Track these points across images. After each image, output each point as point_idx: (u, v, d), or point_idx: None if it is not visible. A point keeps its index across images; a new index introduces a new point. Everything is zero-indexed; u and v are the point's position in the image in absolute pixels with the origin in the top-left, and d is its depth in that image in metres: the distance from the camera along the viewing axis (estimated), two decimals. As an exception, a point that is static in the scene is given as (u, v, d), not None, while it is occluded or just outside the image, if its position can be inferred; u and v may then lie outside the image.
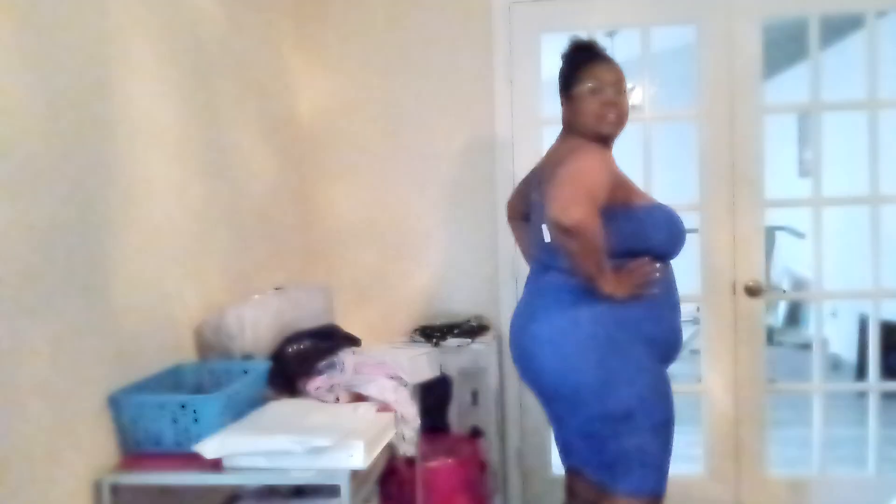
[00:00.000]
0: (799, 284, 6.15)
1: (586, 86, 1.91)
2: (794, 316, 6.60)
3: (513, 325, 2.02)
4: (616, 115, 1.91)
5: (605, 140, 1.95)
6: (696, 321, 5.66)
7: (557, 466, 2.46)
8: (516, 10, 2.86)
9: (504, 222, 2.50)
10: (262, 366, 1.91)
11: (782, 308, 6.65)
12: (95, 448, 1.58)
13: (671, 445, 1.90)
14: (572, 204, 1.70)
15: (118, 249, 1.69)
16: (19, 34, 1.41)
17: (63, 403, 1.48)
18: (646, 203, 1.93)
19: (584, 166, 1.81)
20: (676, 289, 1.96)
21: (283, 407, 1.86)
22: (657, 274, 1.87)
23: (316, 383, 1.98)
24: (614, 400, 1.83)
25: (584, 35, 2.07)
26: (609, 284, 1.81)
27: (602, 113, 1.90)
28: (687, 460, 3.14)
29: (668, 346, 1.93)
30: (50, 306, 1.46)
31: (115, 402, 1.63)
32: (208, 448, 1.56)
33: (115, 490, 1.56)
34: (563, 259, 1.85)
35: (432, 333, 2.67)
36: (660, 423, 1.86)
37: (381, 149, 2.97)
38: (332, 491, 1.60)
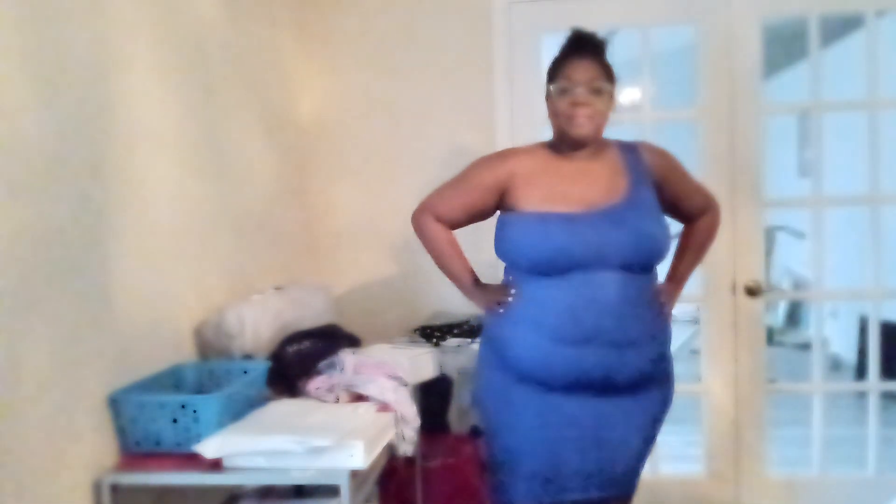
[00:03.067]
0: (799, 284, 6.15)
1: (556, 86, 1.78)
2: (794, 316, 6.60)
3: None
4: (586, 117, 1.74)
5: (576, 144, 1.81)
6: (695, 321, 5.67)
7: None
8: (516, 10, 2.86)
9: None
10: (262, 366, 1.91)
11: (782, 308, 6.65)
12: (95, 448, 1.58)
13: (518, 466, 1.80)
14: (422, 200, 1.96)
15: (118, 249, 1.69)
16: (19, 35, 1.41)
17: (63, 403, 1.48)
18: (526, 210, 1.77)
19: (468, 167, 1.93)
20: (565, 310, 1.70)
21: (283, 407, 1.86)
22: (508, 297, 1.80)
23: (316, 383, 1.98)
24: (481, 417, 1.94)
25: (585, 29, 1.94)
26: (467, 293, 1.96)
27: (571, 114, 1.75)
28: (687, 460, 3.14)
29: (527, 368, 1.75)
30: (50, 306, 1.46)
31: (115, 402, 1.63)
32: (208, 448, 1.56)
33: (115, 490, 1.56)
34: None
35: (432, 333, 2.67)
36: (498, 447, 1.85)
37: (381, 149, 2.97)
38: (332, 491, 1.60)
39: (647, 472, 2.90)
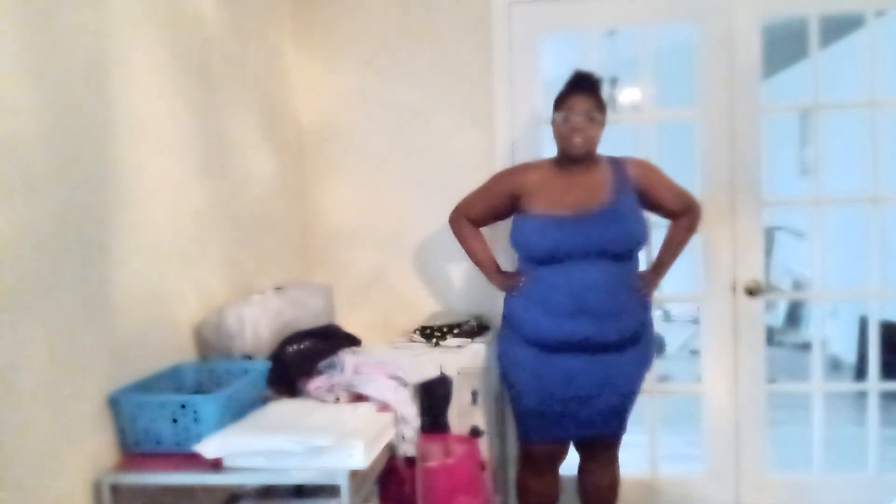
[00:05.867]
0: (799, 284, 6.15)
1: (560, 114, 2.26)
2: (794, 316, 6.60)
3: None
4: (582, 140, 2.24)
5: (573, 159, 2.28)
6: (695, 321, 5.66)
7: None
8: (516, 10, 2.86)
9: (504, 222, 2.52)
10: (262, 366, 1.92)
11: (782, 308, 6.65)
12: (95, 448, 1.58)
13: (535, 410, 2.31)
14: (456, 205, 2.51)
15: (118, 249, 1.70)
16: (19, 34, 1.41)
17: (63, 403, 1.49)
18: (533, 213, 2.27)
19: (491, 178, 2.47)
20: (562, 289, 2.20)
21: (283, 407, 1.86)
22: (518, 282, 2.31)
23: (316, 383, 1.98)
24: (500, 377, 2.49)
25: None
26: (490, 278, 2.47)
27: (569, 136, 2.25)
28: (687, 460, 3.14)
29: (540, 336, 2.25)
30: (50, 306, 1.46)
31: (115, 402, 1.63)
32: (208, 448, 1.56)
33: (115, 490, 1.56)
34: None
35: (432, 333, 2.67)
36: (515, 395, 2.36)
37: (380, 149, 2.96)
38: (332, 491, 1.60)
39: (647, 472, 2.92)
